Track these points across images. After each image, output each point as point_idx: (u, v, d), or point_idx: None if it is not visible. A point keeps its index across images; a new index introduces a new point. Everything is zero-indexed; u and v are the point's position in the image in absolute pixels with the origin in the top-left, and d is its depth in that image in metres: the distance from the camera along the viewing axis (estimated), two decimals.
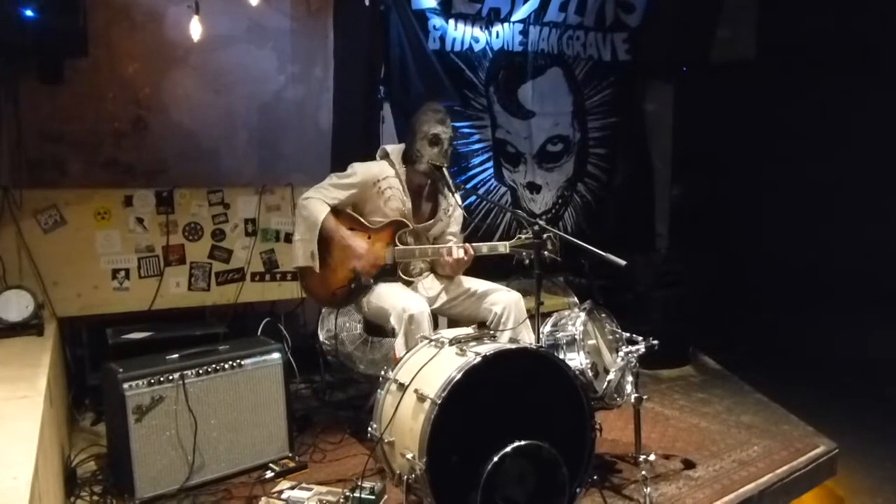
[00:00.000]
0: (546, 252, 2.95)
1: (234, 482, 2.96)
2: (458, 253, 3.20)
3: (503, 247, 3.15)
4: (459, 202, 3.47)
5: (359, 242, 3.26)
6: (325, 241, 3.26)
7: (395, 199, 3.34)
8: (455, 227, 3.57)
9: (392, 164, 3.40)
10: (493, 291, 3.31)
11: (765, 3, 5.45)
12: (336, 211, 3.29)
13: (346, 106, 4.55)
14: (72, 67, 4.05)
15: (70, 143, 4.18)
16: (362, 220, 3.35)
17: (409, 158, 3.38)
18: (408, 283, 3.37)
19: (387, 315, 3.12)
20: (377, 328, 3.48)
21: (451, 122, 3.39)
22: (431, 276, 3.50)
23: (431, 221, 3.45)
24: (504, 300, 3.24)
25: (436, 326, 3.37)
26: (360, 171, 3.35)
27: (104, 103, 4.27)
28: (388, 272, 3.34)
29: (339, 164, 3.49)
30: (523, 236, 3.02)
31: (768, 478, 3.08)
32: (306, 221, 3.23)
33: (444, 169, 3.30)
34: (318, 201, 3.24)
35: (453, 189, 3.33)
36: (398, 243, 3.34)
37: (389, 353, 3.81)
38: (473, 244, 3.28)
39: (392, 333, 3.10)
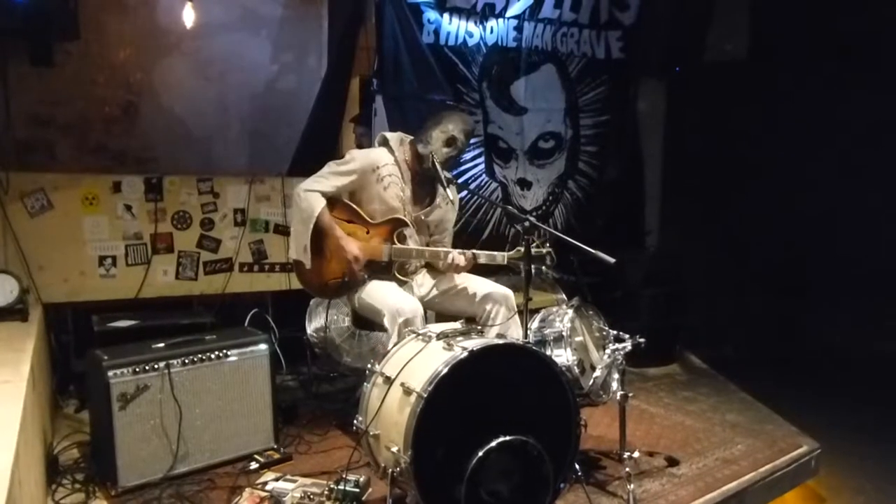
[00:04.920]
0: (544, 268, 2.95)
1: (218, 472, 2.95)
2: (459, 259, 3.20)
3: (501, 258, 3.15)
4: (451, 197, 3.46)
5: (352, 246, 3.21)
6: (321, 234, 3.24)
7: (394, 185, 3.33)
8: (452, 216, 3.57)
9: (391, 151, 3.38)
10: (484, 287, 3.31)
11: (756, 3, 5.47)
12: (334, 200, 3.27)
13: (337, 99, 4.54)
14: (62, 51, 4.03)
15: (60, 126, 4.15)
16: (360, 211, 3.33)
17: (416, 140, 3.38)
18: (402, 283, 3.35)
19: (380, 314, 3.11)
20: (366, 322, 3.47)
21: (470, 138, 3.43)
22: (424, 271, 3.49)
23: (430, 208, 3.44)
24: (494, 296, 3.25)
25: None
26: (359, 157, 3.33)
27: (95, 88, 4.24)
28: (384, 269, 3.33)
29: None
30: (523, 249, 2.99)
31: (751, 476, 3.10)
32: (301, 214, 3.20)
33: (439, 165, 3.27)
34: (315, 194, 3.19)
35: (445, 184, 3.33)
36: (396, 241, 3.32)
37: (377, 347, 3.81)
38: (472, 251, 3.27)
39: (382, 330, 3.09)
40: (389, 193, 3.32)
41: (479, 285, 3.33)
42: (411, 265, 3.44)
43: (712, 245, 5.52)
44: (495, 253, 3.21)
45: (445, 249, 3.29)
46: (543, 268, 2.95)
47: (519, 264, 2.99)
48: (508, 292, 3.29)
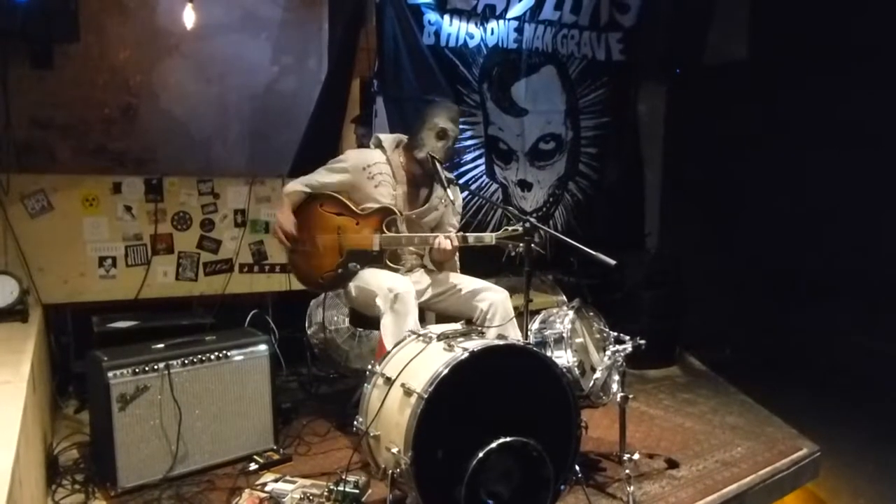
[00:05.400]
0: (533, 245, 2.94)
1: (217, 473, 2.95)
2: (445, 243, 3.21)
3: (489, 238, 3.14)
4: (451, 196, 3.47)
5: (283, 217, 3.36)
6: (312, 227, 3.32)
7: (385, 185, 3.35)
8: (454, 218, 3.58)
9: (384, 152, 3.42)
10: (481, 289, 3.31)
11: (757, 4, 5.47)
12: (324, 195, 3.36)
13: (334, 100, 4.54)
14: (62, 53, 4.03)
15: (59, 128, 4.15)
16: (350, 203, 3.37)
17: (409, 144, 3.39)
18: (394, 272, 3.37)
19: (373, 296, 3.12)
20: (363, 319, 3.48)
21: (459, 123, 3.42)
22: (421, 270, 3.50)
23: (424, 208, 3.45)
24: (491, 298, 3.25)
25: (422, 321, 3.38)
26: (351, 156, 3.42)
27: (94, 90, 4.25)
28: (375, 259, 3.35)
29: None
30: (510, 228, 3.02)
31: (751, 479, 3.10)
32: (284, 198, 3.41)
33: (439, 163, 3.29)
34: (294, 184, 3.35)
35: (445, 185, 3.33)
36: (386, 230, 3.34)
37: (377, 347, 3.81)
38: (459, 234, 3.28)
39: (378, 318, 3.10)
40: (381, 192, 3.35)
41: (475, 286, 3.34)
42: (407, 262, 3.45)
43: (712, 247, 5.52)
44: (483, 234, 3.22)
45: (433, 234, 3.30)
46: (533, 245, 2.93)
47: (507, 244, 3.01)
48: (504, 293, 3.29)
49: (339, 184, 3.36)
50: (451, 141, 3.37)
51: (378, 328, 3.13)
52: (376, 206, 3.35)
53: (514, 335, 3.11)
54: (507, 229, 3.03)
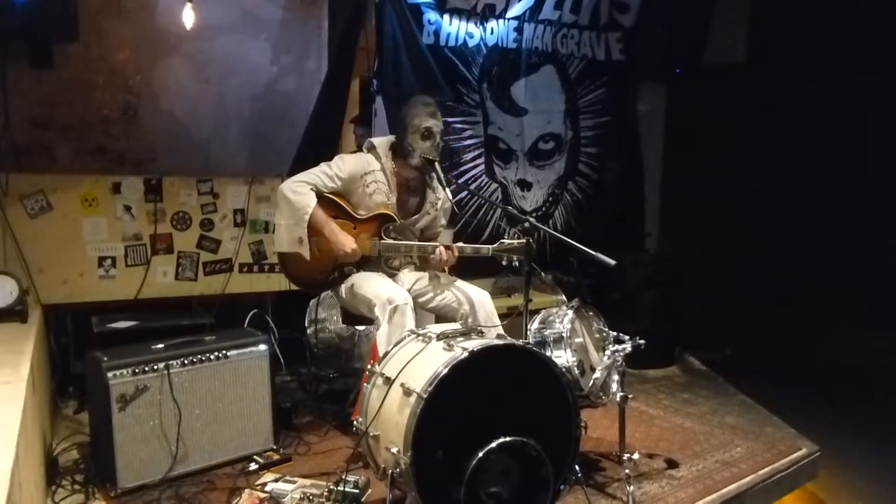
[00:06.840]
0: (531, 265, 2.97)
1: (217, 473, 2.96)
2: (448, 256, 3.21)
3: (486, 250, 3.16)
4: (451, 197, 3.46)
5: (346, 239, 3.24)
6: (312, 230, 3.26)
7: (379, 192, 3.34)
8: (443, 218, 3.58)
9: (378, 158, 3.39)
10: (462, 289, 3.32)
11: (756, 5, 5.47)
12: (319, 196, 3.29)
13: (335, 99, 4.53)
14: (61, 52, 4.02)
15: (59, 128, 4.14)
16: (347, 207, 3.35)
17: (400, 152, 3.37)
18: (390, 276, 3.37)
19: (370, 304, 3.12)
20: (355, 317, 3.47)
21: (441, 115, 3.38)
22: (409, 268, 3.51)
23: (417, 216, 3.45)
24: (470, 299, 3.26)
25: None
26: (348, 163, 3.36)
27: (94, 90, 4.24)
28: (372, 263, 3.36)
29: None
30: (506, 241, 3.03)
31: (750, 479, 3.10)
32: (292, 208, 3.20)
33: (437, 163, 3.29)
34: (307, 189, 3.22)
35: (444, 183, 3.32)
36: (384, 237, 3.34)
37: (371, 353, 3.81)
38: (457, 244, 3.28)
39: (371, 321, 3.10)
40: (375, 200, 3.34)
41: (459, 287, 3.34)
42: (396, 260, 3.45)
43: (712, 246, 5.52)
44: (480, 246, 3.23)
45: (433, 244, 3.31)
46: (533, 267, 2.96)
47: (503, 256, 3.04)
48: (484, 295, 3.30)
49: (335, 188, 3.33)
50: (439, 136, 3.33)
51: (370, 324, 3.13)
52: (375, 211, 3.34)
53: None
54: (502, 242, 3.04)
